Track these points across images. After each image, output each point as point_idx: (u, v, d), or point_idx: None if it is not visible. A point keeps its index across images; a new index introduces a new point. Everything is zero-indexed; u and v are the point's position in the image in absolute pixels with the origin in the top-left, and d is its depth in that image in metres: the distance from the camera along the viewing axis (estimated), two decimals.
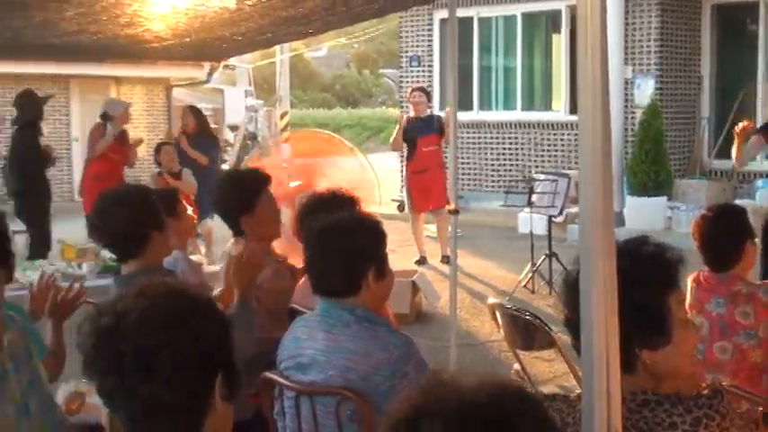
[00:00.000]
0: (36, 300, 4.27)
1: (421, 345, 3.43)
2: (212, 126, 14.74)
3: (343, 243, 3.31)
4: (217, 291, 4.51)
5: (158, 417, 1.96)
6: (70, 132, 20.66)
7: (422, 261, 11.53)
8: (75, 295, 4.17)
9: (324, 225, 3.45)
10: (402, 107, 17.21)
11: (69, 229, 9.65)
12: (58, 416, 3.18)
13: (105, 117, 10.42)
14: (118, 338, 1.94)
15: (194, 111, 11.79)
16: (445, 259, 11.16)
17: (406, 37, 18.50)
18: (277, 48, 19.06)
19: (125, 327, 1.95)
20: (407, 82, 17.74)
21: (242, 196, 4.66)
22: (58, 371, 3.93)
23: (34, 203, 9.18)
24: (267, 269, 4.26)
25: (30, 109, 9.22)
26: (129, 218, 3.81)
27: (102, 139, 10.19)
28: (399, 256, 11.24)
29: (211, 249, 10.31)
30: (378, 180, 11.95)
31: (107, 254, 6.59)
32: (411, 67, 18.22)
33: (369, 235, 3.39)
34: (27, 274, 6.24)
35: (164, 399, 1.93)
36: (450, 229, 8.55)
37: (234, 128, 23.99)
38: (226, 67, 22.36)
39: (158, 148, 10.32)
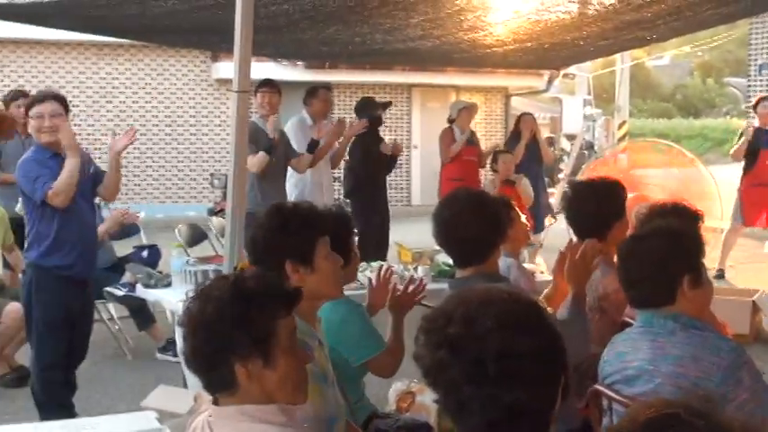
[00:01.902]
0: (375, 293, 4.38)
1: (759, 368, 3.18)
2: (549, 135, 14.68)
3: (655, 252, 3.24)
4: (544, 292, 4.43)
5: (518, 423, 1.92)
6: (411, 140, 21.31)
7: (720, 275, 10.81)
8: (415, 290, 4.25)
9: (635, 235, 3.44)
10: (748, 117, 16.32)
11: (406, 233, 9.91)
12: None
13: (451, 120, 10.71)
14: (474, 346, 1.89)
15: (530, 118, 11.75)
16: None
17: (756, 44, 17.57)
18: (618, 56, 18.73)
19: (480, 334, 1.90)
20: (755, 91, 16.82)
21: (615, 203, 4.54)
22: (396, 367, 4.00)
23: (371, 206, 9.49)
24: (611, 277, 4.14)
25: (369, 114, 9.55)
26: (480, 227, 3.78)
27: (453, 143, 10.47)
28: (739, 274, 10.65)
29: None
30: (719, 193, 11.36)
31: (442, 258, 6.67)
32: (760, 75, 17.26)
33: (681, 243, 3.28)
34: (365, 274, 6.42)
35: (526, 404, 1.90)
36: None
37: (571, 137, 23.80)
38: (565, 75, 22.23)
39: (496, 156, 10.35)
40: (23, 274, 5.82)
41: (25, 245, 5.71)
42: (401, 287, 4.30)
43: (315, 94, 8.63)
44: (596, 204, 4.50)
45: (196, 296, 2.38)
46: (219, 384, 2.35)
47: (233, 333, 2.29)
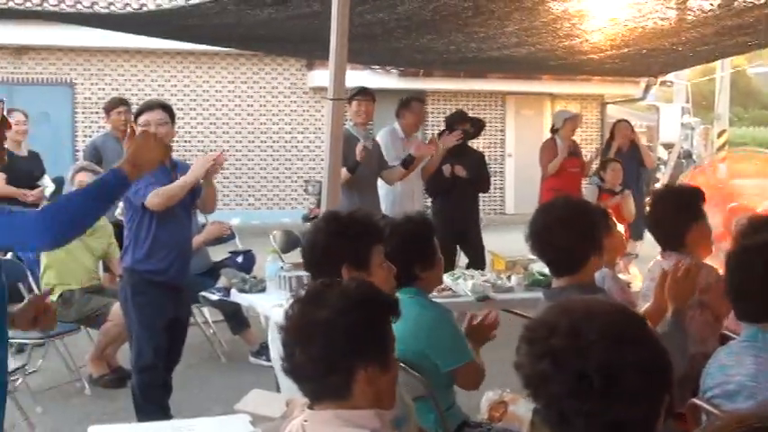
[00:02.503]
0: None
1: None
2: (647, 144, 14.43)
3: (762, 265, 3.15)
4: (644, 307, 4.35)
5: None
6: (505, 148, 21.21)
7: None
8: (491, 323, 4.24)
9: (743, 246, 3.35)
10: None
11: (500, 242, 9.85)
12: None
13: (554, 130, 10.51)
14: (577, 359, 1.87)
15: (626, 126, 11.54)
16: None
17: None
18: (717, 63, 18.34)
19: (584, 346, 1.87)
20: None
21: (689, 210, 4.49)
22: (479, 382, 4.00)
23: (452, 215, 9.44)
24: (710, 269, 4.08)
25: (459, 127, 9.50)
26: (573, 238, 3.71)
27: (555, 155, 10.25)
28: None
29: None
30: None
31: (536, 267, 6.62)
32: None
33: None
34: (457, 282, 6.41)
35: (630, 419, 1.87)
36: None
37: (668, 146, 23.39)
38: (663, 83, 21.86)
39: (604, 165, 10.13)
40: (120, 278, 5.94)
41: (122, 249, 5.84)
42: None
43: (408, 107, 8.56)
44: (672, 211, 4.45)
45: (304, 302, 2.38)
46: (334, 390, 2.34)
47: (358, 338, 2.31)
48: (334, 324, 2.30)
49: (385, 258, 3.42)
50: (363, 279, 2.59)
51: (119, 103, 8.93)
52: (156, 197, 5.40)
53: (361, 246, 3.27)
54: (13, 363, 6.20)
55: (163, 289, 5.63)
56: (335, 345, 2.29)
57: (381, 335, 2.36)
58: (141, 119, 5.56)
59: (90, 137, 14.82)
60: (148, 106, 5.68)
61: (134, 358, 5.78)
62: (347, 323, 2.30)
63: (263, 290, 6.55)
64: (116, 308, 6.96)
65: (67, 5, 17.59)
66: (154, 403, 5.75)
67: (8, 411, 6.04)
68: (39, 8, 17.06)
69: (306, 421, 2.41)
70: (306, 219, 13.46)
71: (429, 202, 9.48)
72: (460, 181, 8.84)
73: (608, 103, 22.35)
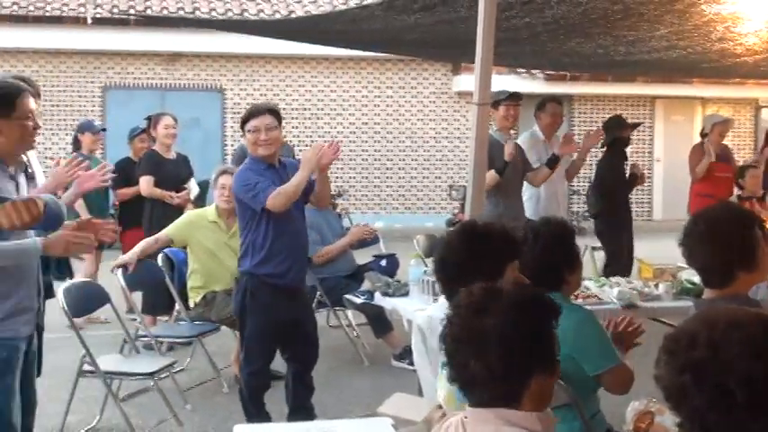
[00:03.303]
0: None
1: None
2: None
3: None
4: None
5: None
6: (653, 153, 20.74)
7: None
8: (635, 329, 4.14)
9: None
10: None
11: (647, 248, 9.64)
12: None
13: (703, 134, 10.31)
14: (719, 373, 1.81)
15: None
16: None
17: None
18: None
19: (726, 359, 1.81)
20: None
21: None
22: (629, 386, 3.90)
23: (614, 223, 9.32)
24: None
25: (616, 133, 9.37)
26: (718, 254, 3.48)
27: (702, 160, 10.05)
28: None
29: None
30: None
31: (685, 275, 6.45)
32: None
33: None
34: (603, 290, 6.30)
35: None
36: None
37: None
38: None
39: (742, 171, 9.86)
40: (236, 282, 5.99)
41: (239, 253, 5.90)
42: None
43: (543, 108, 8.47)
44: None
45: (471, 310, 2.35)
46: (504, 396, 2.31)
47: (533, 345, 2.29)
48: (508, 332, 2.27)
49: (521, 269, 3.35)
50: (523, 281, 2.53)
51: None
52: (276, 198, 5.41)
53: (495, 263, 3.19)
54: (162, 361, 6.40)
55: (281, 292, 5.67)
56: (513, 353, 2.26)
57: (551, 340, 2.34)
58: (250, 124, 5.58)
59: (238, 141, 15.19)
60: (257, 111, 5.65)
61: (243, 360, 5.85)
62: (521, 330, 2.28)
63: (406, 294, 6.57)
64: None
65: (219, 13, 18.08)
66: (258, 406, 5.83)
67: (157, 407, 6.27)
68: (191, 16, 17.60)
69: (465, 417, 2.40)
70: (450, 224, 13.49)
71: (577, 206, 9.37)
72: (623, 189, 8.82)
73: (763, 107, 21.59)
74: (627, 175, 9.44)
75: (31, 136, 4.09)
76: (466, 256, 3.19)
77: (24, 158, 4.38)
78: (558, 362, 2.38)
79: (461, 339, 2.33)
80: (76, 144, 9.42)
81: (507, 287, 2.43)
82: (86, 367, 5.82)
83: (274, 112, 5.69)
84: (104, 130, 9.92)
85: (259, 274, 5.63)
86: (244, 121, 5.66)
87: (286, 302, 5.71)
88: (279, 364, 6.15)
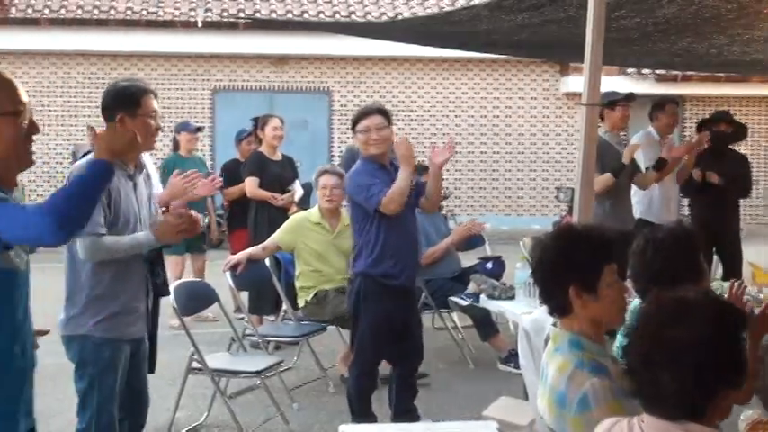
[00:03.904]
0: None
1: None
2: None
3: None
4: None
5: None
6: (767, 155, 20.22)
7: None
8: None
9: None
10: None
11: (761, 253, 9.39)
12: None
13: None
14: None
15: None
16: None
17: None
18: None
19: None
20: None
21: None
22: (751, 392, 3.79)
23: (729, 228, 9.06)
24: None
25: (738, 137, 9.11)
26: None
27: None
28: None
29: None
30: None
31: None
32: None
33: None
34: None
35: None
36: None
37: None
38: None
39: None
40: (350, 283, 6.02)
41: (353, 254, 5.93)
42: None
43: (662, 109, 8.32)
44: None
45: (659, 321, 2.29)
46: (691, 410, 2.26)
47: (726, 359, 2.24)
48: (703, 344, 2.22)
49: (631, 276, 3.28)
50: (706, 289, 2.46)
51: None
52: (390, 203, 5.47)
53: (590, 266, 3.13)
54: (269, 359, 6.47)
55: (394, 293, 5.69)
56: (706, 366, 2.21)
57: (741, 352, 2.28)
58: (361, 124, 5.67)
59: (345, 143, 15.30)
60: (367, 112, 5.74)
61: (354, 360, 5.87)
62: (715, 343, 2.23)
63: (512, 296, 6.52)
64: None
65: (326, 16, 18.25)
66: (366, 406, 5.84)
67: (264, 405, 6.34)
68: (299, 19, 17.80)
69: (643, 422, 2.36)
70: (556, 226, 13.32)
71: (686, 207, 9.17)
72: (716, 185, 8.50)
73: None
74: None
75: (152, 135, 4.22)
76: (562, 258, 3.14)
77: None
78: (746, 374, 2.29)
79: (650, 352, 2.27)
80: (175, 144, 9.63)
81: (695, 296, 2.35)
82: (195, 365, 5.92)
83: (384, 112, 5.77)
84: (200, 129, 10.05)
85: (373, 274, 5.67)
86: (355, 122, 5.75)
87: (399, 303, 5.75)
88: (382, 365, 6.16)
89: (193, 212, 4.29)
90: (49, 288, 5.18)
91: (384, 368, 6.22)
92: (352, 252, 6.04)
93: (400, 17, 17.00)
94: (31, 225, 2.84)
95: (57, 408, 6.35)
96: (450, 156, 5.70)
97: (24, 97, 2.89)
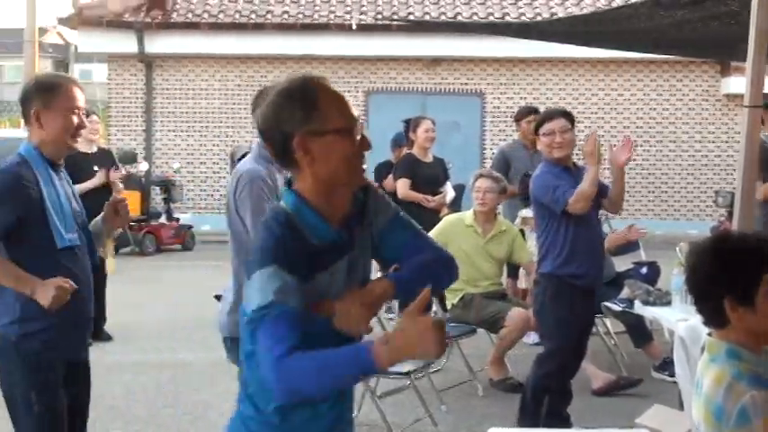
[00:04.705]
0: None
1: None
2: None
3: None
4: None
5: None
6: None
7: None
8: None
9: None
10: None
11: None
12: None
13: None
14: None
15: None
16: None
17: None
18: None
19: None
20: None
21: None
22: None
23: None
24: None
25: None
26: None
27: None
28: None
29: None
30: None
31: None
32: None
33: None
34: None
35: None
36: None
37: None
38: None
39: None
40: (536, 284, 5.98)
41: (537, 256, 5.90)
42: None
43: None
44: None
45: None
46: None
47: None
48: None
49: None
50: None
51: (529, 112, 9.08)
52: (577, 203, 5.46)
53: (747, 277, 2.99)
54: (419, 360, 6.48)
55: (581, 293, 5.67)
56: None
57: None
58: (544, 127, 5.68)
59: (498, 145, 15.22)
60: (551, 115, 5.79)
61: (542, 362, 5.81)
62: None
63: (668, 303, 6.36)
64: (513, 313, 7.06)
65: (480, 17, 18.22)
66: (538, 409, 5.76)
67: (413, 406, 6.36)
68: (452, 20, 17.82)
69: None
70: (714, 231, 12.94)
71: None
72: None
73: None
74: None
75: None
76: (717, 268, 3.01)
77: None
78: None
79: None
80: None
81: None
82: None
83: (568, 115, 5.81)
84: None
85: (561, 274, 5.66)
86: (538, 125, 5.78)
87: (585, 303, 5.74)
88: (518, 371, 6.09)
89: None
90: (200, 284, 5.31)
91: (517, 375, 6.14)
92: (537, 254, 6.02)
93: (556, 17, 16.81)
94: (264, 367, 2.44)
95: (213, 402, 6.54)
96: (630, 154, 5.67)
97: (354, 112, 2.62)
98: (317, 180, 2.53)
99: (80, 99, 3.84)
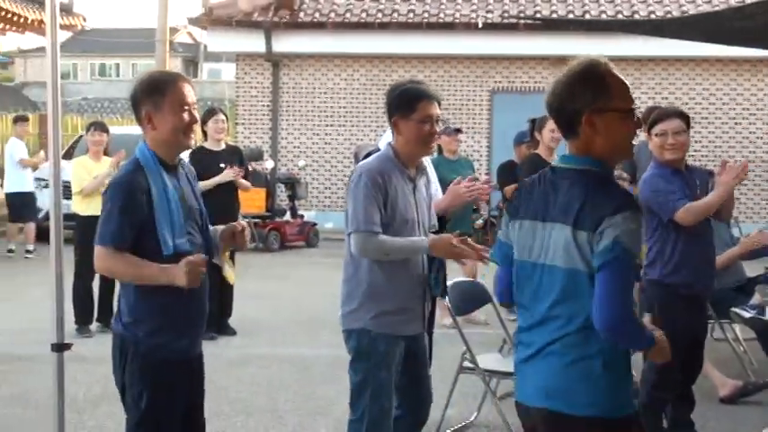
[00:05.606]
0: None
1: None
2: None
3: None
4: None
5: None
6: None
7: None
8: None
9: None
10: None
11: None
12: None
13: None
14: None
15: None
16: None
17: None
18: None
19: None
20: None
21: None
22: None
23: None
24: None
25: None
26: None
27: None
28: None
29: None
30: None
31: None
32: None
33: None
34: None
35: None
36: None
37: None
38: None
39: None
40: (641, 291, 5.84)
41: (645, 261, 5.74)
42: None
43: None
44: None
45: None
46: None
47: None
48: None
49: None
50: None
51: (651, 111, 8.89)
52: (686, 213, 5.29)
53: None
54: None
55: (689, 302, 5.49)
56: None
57: None
58: (657, 127, 5.47)
59: None
60: (665, 115, 5.54)
61: (647, 377, 5.67)
62: None
63: None
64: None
65: (608, 15, 17.94)
66: (675, 418, 5.64)
67: None
68: (580, 18, 17.60)
69: None
70: None
71: None
72: None
73: None
74: None
75: (426, 138, 4.31)
76: None
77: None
78: None
79: None
80: (439, 147, 9.72)
81: None
82: (466, 364, 5.97)
83: (684, 115, 5.56)
84: (459, 131, 10.02)
85: (668, 283, 5.48)
86: (652, 124, 5.57)
87: (693, 313, 5.55)
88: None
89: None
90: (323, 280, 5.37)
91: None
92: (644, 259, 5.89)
93: (687, 14, 16.44)
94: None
95: (335, 398, 6.59)
96: (740, 179, 5.42)
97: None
98: (598, 152, 3.02)
99: (189, 95, 3.77)
